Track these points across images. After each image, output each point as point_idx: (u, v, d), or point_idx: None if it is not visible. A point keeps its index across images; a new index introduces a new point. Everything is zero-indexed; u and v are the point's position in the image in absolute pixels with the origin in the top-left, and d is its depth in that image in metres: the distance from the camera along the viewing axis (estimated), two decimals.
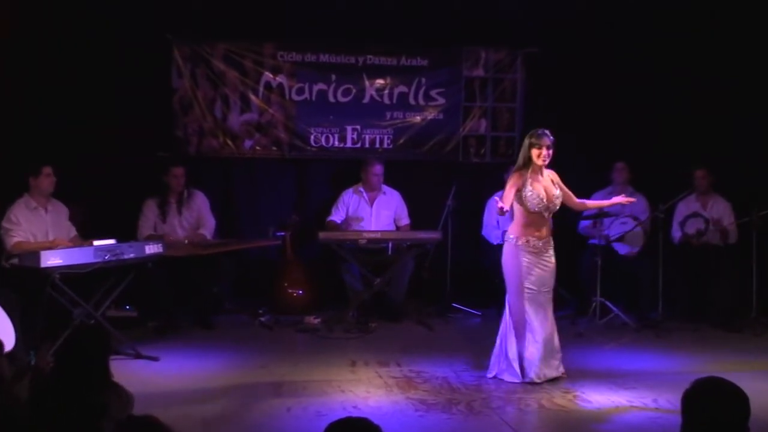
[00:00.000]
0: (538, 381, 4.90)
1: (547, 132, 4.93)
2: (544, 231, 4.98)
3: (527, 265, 4.92)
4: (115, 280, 5.61)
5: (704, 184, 6.78)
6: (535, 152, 4.90)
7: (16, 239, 5.65)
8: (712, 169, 6.79)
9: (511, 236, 4.99)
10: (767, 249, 6.49)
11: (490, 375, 5.06)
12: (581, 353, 5.69)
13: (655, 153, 7.13)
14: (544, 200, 4.92)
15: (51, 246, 5.54)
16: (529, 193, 4.89)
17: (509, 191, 4.89)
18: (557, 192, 5.01)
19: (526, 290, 4.93)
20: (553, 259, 5.03)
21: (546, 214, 4.98)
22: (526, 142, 4.95)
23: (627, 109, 7.18)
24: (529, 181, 4.91)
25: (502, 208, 4.71)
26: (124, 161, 6.71)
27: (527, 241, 4.93)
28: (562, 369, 5.05)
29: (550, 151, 4.91)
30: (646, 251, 6.71)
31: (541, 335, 4.93)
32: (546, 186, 4.97)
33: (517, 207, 4.96)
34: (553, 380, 4.97)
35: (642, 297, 6.69)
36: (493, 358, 5.08)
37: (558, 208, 5.05)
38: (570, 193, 5.17)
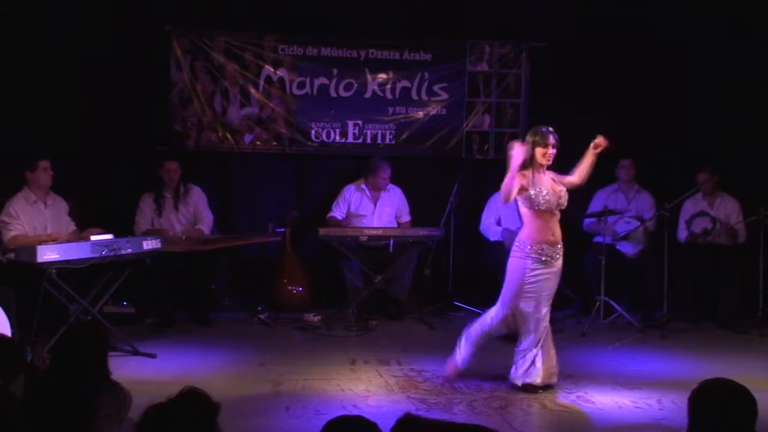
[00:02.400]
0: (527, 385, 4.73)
1: (551, 129, 4.75)
2: (557, 233, 4.75)
3: (535, 273, 4.69)
4: (113, 275, 5.56)
5: (709, 186, 6.69)
6: (539, 151, 4.69)
7: (13, 233, 5.61)
8: (719, 168, 6.71)
9: (523, 242, 4.72)
10: None
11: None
12: (585, 353, 5.67)
13: (661, 150, 7.07)
14: (554, 197, 4.71)
15: (49, 239, 5.49)
16: (538, 191, 4.67)
17: (515, 181, 4.59)
18: (561, 188, 4.84)
19: (525, 294, 4.72)
20: (560, 265, 4.80)
21: (557, 212, 4.77)
22: (529, 140, 4.74)
23: (633, 106, 7.11)
24: (534, 180, 4.73)
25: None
26: (122, 155, 6.65)
27: (541, 250, 4.68)
28: (555, 379, 4.84)
29: (555, 150, 4.72)
30: (650, 250, 6.64)
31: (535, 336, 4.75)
32: (550, 184, 4.82)
33: (525, 211, 4.74)
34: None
35: (647, 296, 6.63)
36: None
37: (566, 204, 4.86)
38: (567, 177, 4.93)
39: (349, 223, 6.87)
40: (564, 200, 4.81)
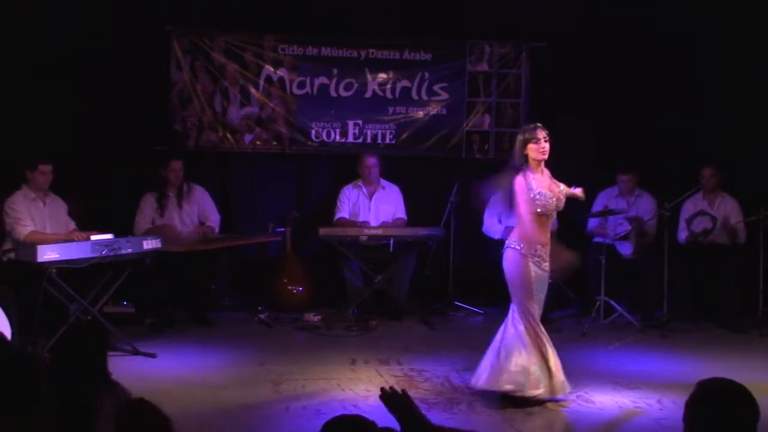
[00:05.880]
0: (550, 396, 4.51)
1: (539, 124, 4.57)
2: (548, 235, 4.56)
3: (534, 273, 4.48)
4: (113, 275, 5.55)
5: (712, 182, 6.68)
6: (533, 147, 4.48)
7: (30, 228, 5.58)
8: (720, 167, 6.70)
9: (517, 244, 4.49)
10: None
11: (478, 386, 4.57)
12: (585, 353, 5.66)
13: (661, 150, 7.07)
14: (554, 199, 4.51)
15: (70, 237, 5.48)
16: (539, 194, 4.45)
17: (522, 195, 4.44)
18: (561, 187, 4.67)
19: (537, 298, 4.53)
20: (548, 266, 4.61)
21: (554, 215, 4.61)
22: (520, 138, 4.55)
23: (634, 105, 7.11)
24: (534, 182, 4.48)
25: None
26: (122, 155, 6.65)
27: (534, 251, 4.47)
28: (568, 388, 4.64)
29: (548, 144, 4.52)
30: (648, 251, 6.63)
31: (551, 347, 4.58)
32: (549, 184, 4.56)
33: (523, 211, 4.47)
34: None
35: (647, 296, 6.62)
36: (483, 368, 4.58)
37: (564, 205, 4.68)
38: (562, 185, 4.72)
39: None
40: (563, 200, 4.63)
